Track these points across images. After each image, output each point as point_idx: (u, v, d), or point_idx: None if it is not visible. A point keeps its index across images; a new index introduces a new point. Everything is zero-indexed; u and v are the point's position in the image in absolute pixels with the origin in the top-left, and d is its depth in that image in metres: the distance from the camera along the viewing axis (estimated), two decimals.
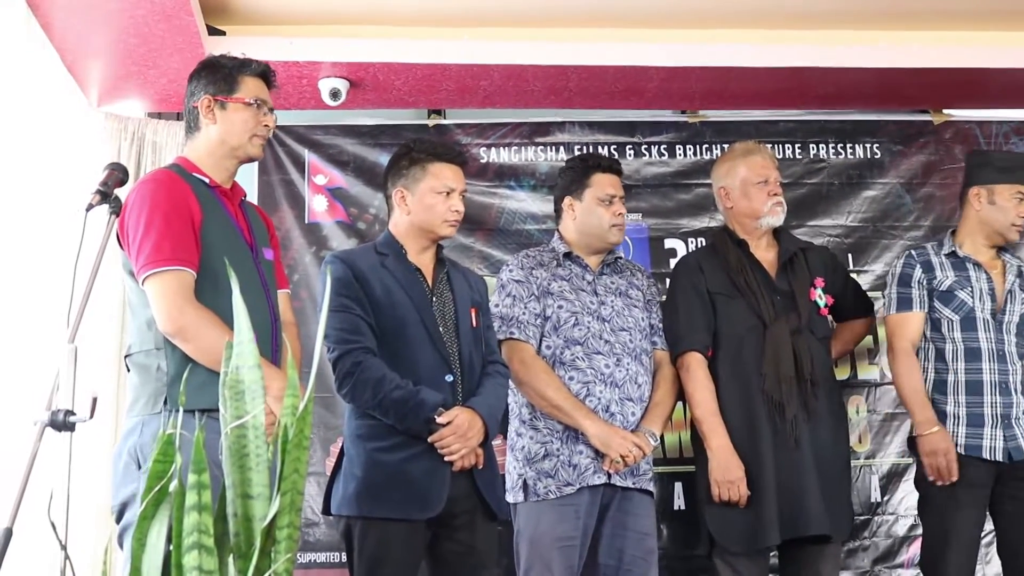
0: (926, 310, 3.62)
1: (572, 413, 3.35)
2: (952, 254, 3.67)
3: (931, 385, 3.59)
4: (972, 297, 3.58)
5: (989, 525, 3.66)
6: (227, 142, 2.80)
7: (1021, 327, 3.60)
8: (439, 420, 2.95)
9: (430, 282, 3.17)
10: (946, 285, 3.60)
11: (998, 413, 3.48)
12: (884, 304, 3.77)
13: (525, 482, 3.39)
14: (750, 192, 3.64)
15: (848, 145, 4.76)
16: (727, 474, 3.37)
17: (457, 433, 2.96)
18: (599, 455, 3.34)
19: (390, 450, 2.98)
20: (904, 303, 3.64)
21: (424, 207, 3.16)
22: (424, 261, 3.20)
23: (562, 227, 3.68)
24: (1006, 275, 3.67)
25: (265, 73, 2.89)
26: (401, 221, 3.21)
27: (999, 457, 3.46)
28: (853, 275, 4.24)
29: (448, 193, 3.16)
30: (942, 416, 3.53)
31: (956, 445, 3.47)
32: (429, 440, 2.95)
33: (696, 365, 3.51)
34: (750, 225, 3.66)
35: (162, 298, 2.56)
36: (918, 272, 3.65)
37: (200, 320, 2.55)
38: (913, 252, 3.74)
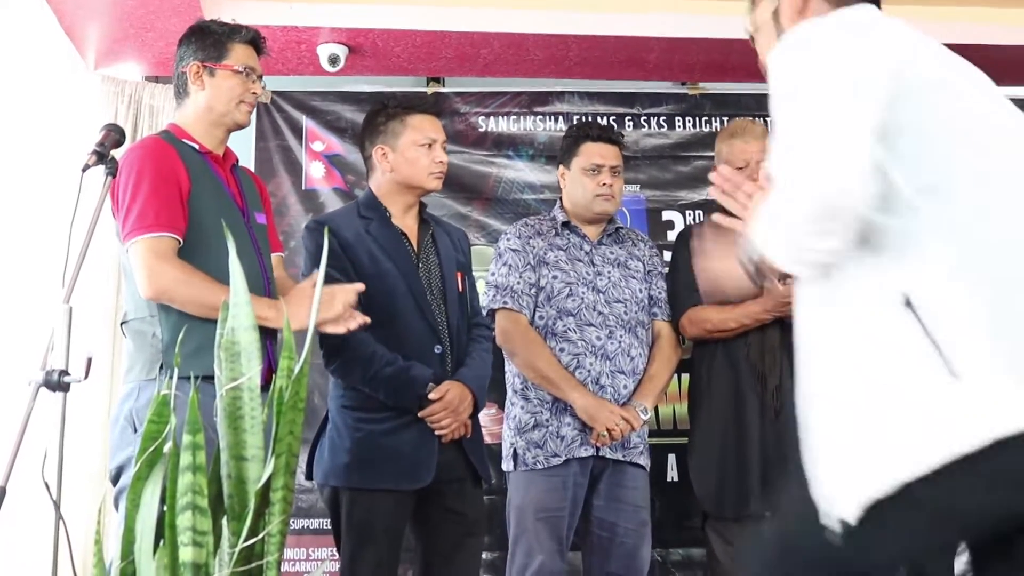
0: None
1: (561, 385, 3.34)
2: None
3: None
4: None
5: None
6: (214, 109, 2.77)
7: None
8: (430, 396, 2.94)
9: (415, 246, 3.13)
10: None
11: None
12: None
13: (515, 451, 3.40)
14: None
15: None
16: None
17: (449, 408, 2.95)
18: (586, 428, 3.33)
19: (378, 420, 2.97)
20: None
21: (407, 161, 3.10)
22: (409, 223, 3.15)
23: (562, 196, 3.67)
24: None
25: (255, 40, 2.86)
26: (384, 180, 3.14)
27: None
28: None
29: (430, 144, 3.10)
30: None
31: None
32: (420, 416, 2.94)
33: (706, 307, 3.46)
34: None
35: (142, 263, 2.54)
36: None
37: (179, 276, 2.53)
38: None
